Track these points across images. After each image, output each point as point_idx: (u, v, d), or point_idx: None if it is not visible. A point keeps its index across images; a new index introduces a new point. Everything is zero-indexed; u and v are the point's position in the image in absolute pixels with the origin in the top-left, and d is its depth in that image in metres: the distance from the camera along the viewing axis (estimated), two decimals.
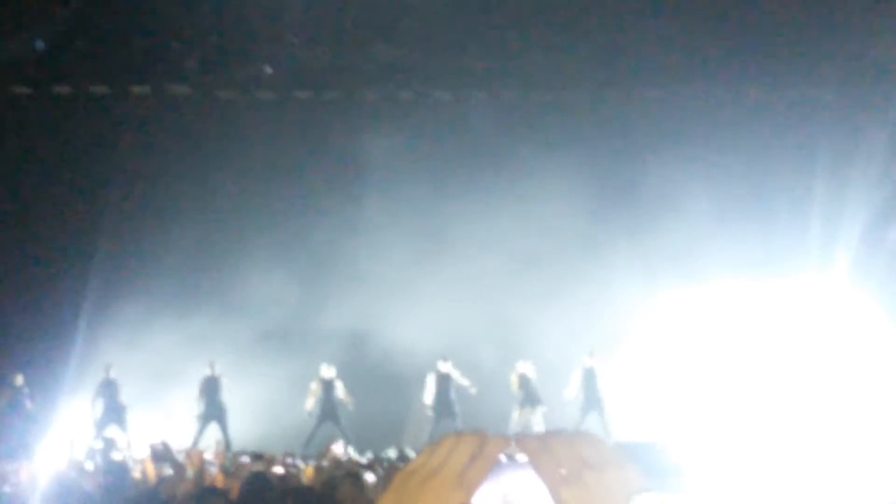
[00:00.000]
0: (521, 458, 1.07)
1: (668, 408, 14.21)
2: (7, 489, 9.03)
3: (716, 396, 14.03)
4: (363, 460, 12.24)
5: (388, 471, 10.04)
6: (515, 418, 14.94)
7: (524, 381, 15.05)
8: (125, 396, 14.82)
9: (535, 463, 1.05)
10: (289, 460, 11.95)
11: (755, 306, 15.25)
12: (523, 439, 1.08)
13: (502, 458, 1.07)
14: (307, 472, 11.04)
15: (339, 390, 15.18)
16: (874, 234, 15.15)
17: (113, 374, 14.84)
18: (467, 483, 1.05)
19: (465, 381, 15.11)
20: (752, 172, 16.25)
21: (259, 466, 10.63)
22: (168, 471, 10.44)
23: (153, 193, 16.07)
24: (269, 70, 15.49)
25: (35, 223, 15.70)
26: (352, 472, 9.07)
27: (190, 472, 10.49)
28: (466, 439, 1.07)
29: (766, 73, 16.52)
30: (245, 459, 11.59)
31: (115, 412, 14.65)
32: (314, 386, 15.16)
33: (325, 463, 11.54)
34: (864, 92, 16.08)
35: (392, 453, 13.12)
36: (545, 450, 1.06)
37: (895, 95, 15.40)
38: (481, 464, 1.05)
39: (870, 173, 15.08)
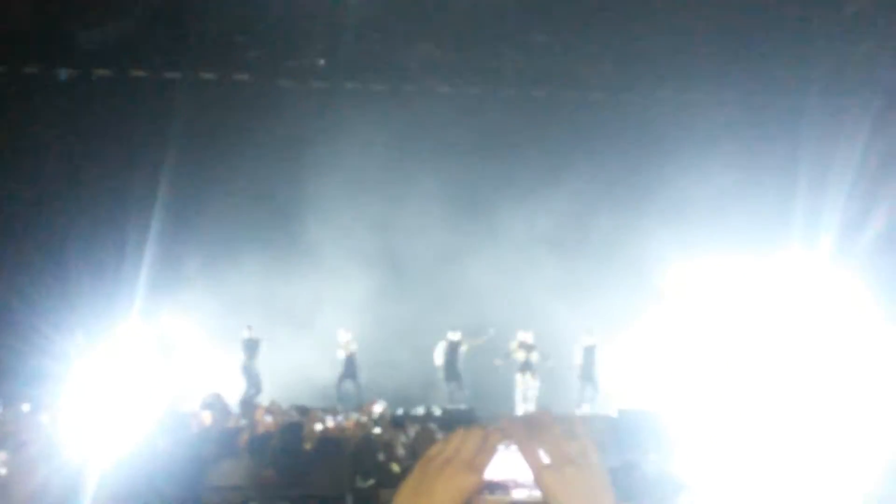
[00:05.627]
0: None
1: (669, 380, 15.33)
2: None
3: (714, 370, 14.87)
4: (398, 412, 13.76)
5: (423, 429, 11.28)
6: (518, 381, 16.40)
7: (525, 348, 16.52)
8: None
9: (523, 451, 1.24)
10: (330, 416, 13.40)
11: (748, 283, 16.41)
12: (513, 428, 1.25)
13: (502, 446, 1.25)
14: (349, 424, 12.63)
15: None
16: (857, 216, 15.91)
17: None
18: (477, 467, 1.24)
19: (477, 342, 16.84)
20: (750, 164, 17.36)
21: (301, 419, 11.90)
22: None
23: (210, 166, 17.41)
24: (322, 62, 17.15)
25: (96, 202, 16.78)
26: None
27: (244, 421, 12.02)
28: (473, 433, 1.26)
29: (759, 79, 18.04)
30: (293, 413, 13.07)
31: None
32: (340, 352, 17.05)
33: (363, 418, 13.08)
34: (845, 97, 17.38)
35: (420, 410, 14.88)
36: (532, 438, 1.24)
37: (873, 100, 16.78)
38: (486, 452, 1.25)
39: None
